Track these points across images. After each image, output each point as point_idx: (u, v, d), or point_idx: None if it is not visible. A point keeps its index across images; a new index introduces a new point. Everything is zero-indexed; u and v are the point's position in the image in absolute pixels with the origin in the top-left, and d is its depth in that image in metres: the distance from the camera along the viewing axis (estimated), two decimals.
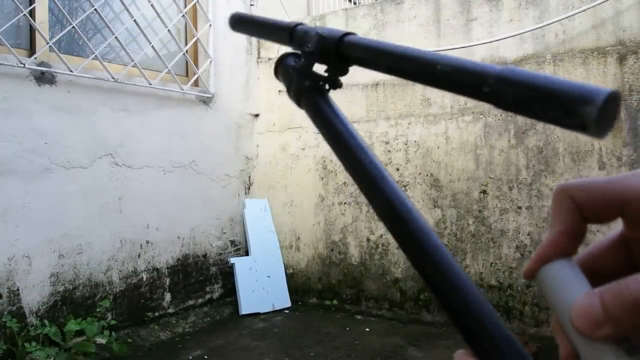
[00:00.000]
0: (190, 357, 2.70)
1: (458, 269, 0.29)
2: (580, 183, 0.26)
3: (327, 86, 0.41)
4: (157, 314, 3.14)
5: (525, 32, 3.00)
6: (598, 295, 0.22)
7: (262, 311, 3.50)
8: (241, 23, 0.50)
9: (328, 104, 0.40)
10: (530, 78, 0.27)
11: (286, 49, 0.44)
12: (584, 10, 2.85)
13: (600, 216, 0.25)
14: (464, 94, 0.30)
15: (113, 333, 2.55)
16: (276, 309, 3.56)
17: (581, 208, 0.25)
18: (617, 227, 0.27)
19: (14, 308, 2.43)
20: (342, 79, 0.41)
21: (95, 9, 2.80)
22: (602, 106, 0.23)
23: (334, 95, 0.41)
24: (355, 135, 0.37)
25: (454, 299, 0.28)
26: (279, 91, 3.95)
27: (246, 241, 3.80)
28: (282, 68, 0.43)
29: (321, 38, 0.39)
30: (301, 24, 0.42)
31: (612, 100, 0.24)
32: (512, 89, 0.27)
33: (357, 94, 3.58)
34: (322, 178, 3.74)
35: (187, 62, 3.53)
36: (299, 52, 0.41)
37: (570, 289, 0.24)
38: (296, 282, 3.81)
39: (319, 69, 0.43)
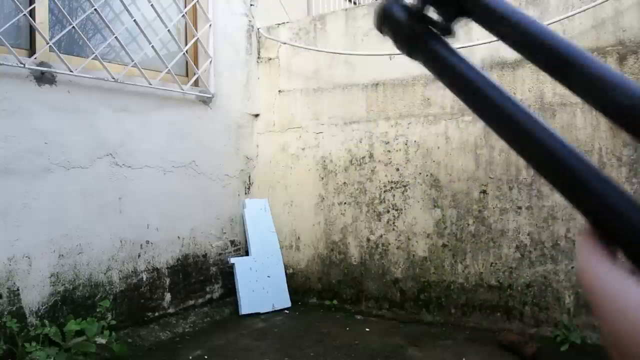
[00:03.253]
0: (190, 357, 2.70)
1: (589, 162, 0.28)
2: None
3: (438, 32, 0.36)
4: (157, 314, 3.14)
5: None
6: None
7: (262, 311, 3.50)
8: None
9: (447, 48, 0.35)
10: None
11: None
12: (584, 10, 2.85)
13: None
14: (595, 106, 0.28)
15: (113, 333, 2.55)
16: (276, 309, 3.56)
17: None
18: None
19: (14, 308, 2.42)
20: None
21: (95, 9, 2.79)
22: None
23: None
24: (488, 78, 0.33)
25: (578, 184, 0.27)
26: (279, 91, 3.95)
27: (246, 241, 3.80)
28: (387, 15, 0.38)
29: None
30: None
31: None
32: None
33: (357, 94, 3.58)
34: (322, 178, 3.74)
35: (187, 62, 3.53)
36: None
37: None
38: (296, 282, 3.81)
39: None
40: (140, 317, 3.03)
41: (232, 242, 3.78)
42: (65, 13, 2.69)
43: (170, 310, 3.23)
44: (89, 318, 2.60)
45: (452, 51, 0.35)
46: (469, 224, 3.19)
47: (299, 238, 3.85)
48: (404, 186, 3.40)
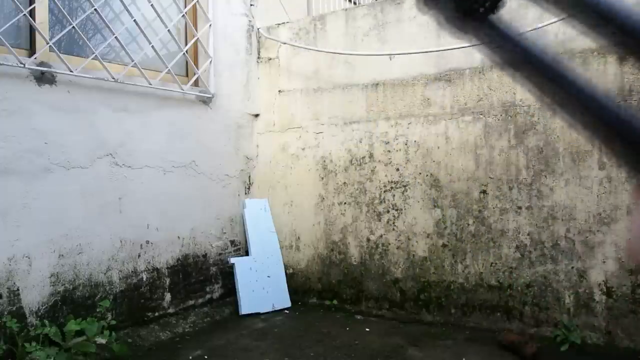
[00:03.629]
0: (190, 357, 2.70)
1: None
2: None
3: (483, 8, 0.37)
4: (157, 314, 3.14)
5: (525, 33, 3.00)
6: None
7: (262, 311, 3.50)
8: None
9: (498, 24, 0.36)
10: None
11: None
12: None
13: None
14: None
15: (113, 333, 2.55)
16: (276, 309, 3.56)
17: None
18: None
19: (14, 308, 2.43)
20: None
21: (95, 9, 2.79)
22: None
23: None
24: (540, 48, 0.34)
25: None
26: (279, 91, 3.95)
27: (246, 241, 3.80)
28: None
29: None
30: None
31: None
32: None
33: (357, 94, 3.58)
34: (322, 178, 3.74)
35: (187, 62, 3.53)
36: None
37: None
38: (296, 282, 3.81)
39: None
40: (140, 317, 3.03)
41: (232, 242, 3.78)
42: (65, 13, 2.69)
43: (170, 310, 3.23)
44: (89, 318, 2.60)
45: (506, 26, 0.35)
46: (469, 224, 3.19)
47: (299, 238, 3.85)
48: (404, 186, 3.40)
